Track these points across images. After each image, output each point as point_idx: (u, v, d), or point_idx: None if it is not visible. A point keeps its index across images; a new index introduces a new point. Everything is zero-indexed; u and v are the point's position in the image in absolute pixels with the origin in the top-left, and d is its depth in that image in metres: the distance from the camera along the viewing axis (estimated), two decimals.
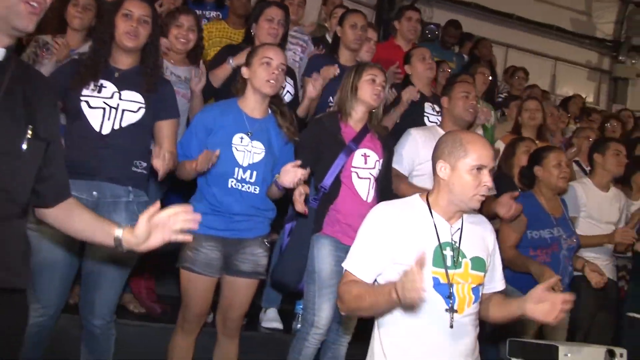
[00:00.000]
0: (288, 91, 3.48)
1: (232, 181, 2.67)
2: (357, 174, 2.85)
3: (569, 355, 2.23)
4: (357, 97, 2.88)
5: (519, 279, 2.96)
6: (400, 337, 1.93)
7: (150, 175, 2.65)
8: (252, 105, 2.77)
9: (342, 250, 2.75)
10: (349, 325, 2.91)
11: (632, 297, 3.81)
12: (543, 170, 3.30)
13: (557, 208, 3.33)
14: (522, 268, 3.07)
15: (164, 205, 1.64)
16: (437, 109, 3.71)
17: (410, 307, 1.79)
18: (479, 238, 2.04)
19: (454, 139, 1.98)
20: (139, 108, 2.55)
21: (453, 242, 1.96)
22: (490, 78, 5.25)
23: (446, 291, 1.90)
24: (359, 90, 2.87)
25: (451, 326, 1.88)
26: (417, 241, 1.91)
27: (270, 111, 2.82)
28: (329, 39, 4.31)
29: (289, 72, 3.53)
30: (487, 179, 1.91)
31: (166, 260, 3.50)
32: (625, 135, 5.48)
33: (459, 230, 1.99)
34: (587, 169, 4.33)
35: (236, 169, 2.68)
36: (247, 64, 2.77)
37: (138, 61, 2.59)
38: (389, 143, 3.04)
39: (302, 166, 2.67)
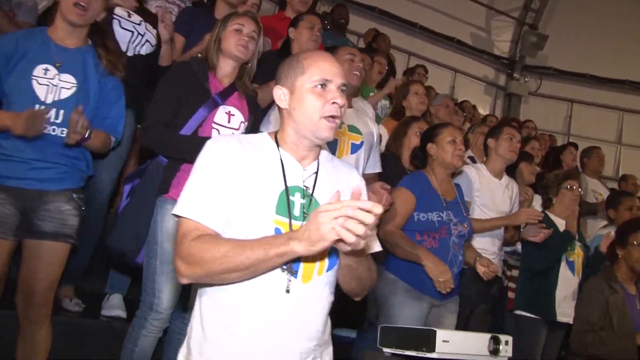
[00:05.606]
0: (148, 40, 3.08)
1: None
2: (218, 131, 2.42)
3: (448, 341, 1.88)
4: (220, 48, 2.51)
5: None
6: (225, 308, 1.47)
7: None
8: (62, 34, 2.35)
9: None
10: None
11: (519, 294, 3.61)
12: (436, 148, 2.98)
13: (450, 191, 3.00)
14: (408, 256, 2.74)
15: None
16: None
17: None
18: (341, 186, 1.60)
19: (291, 59, 1.61)
20: None
21: (305, 188, 1.55)
22: (386, 68, 5.03)
23: None
24: (222, 41, 2.51)
25: (287, 291, 1.46)
26: (259, 183, 1.49)
27: (90, 42, 2.40)
28: None
29: (152, 21, 3.13)
30: (334, 95, 1.52)
31: None
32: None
33: (315, 175, 1.58)
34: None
35: (36, 106, 2.22)
36: None
37: None
38: (255, 106, 2.65)
39: (159, 114, 2.34)
